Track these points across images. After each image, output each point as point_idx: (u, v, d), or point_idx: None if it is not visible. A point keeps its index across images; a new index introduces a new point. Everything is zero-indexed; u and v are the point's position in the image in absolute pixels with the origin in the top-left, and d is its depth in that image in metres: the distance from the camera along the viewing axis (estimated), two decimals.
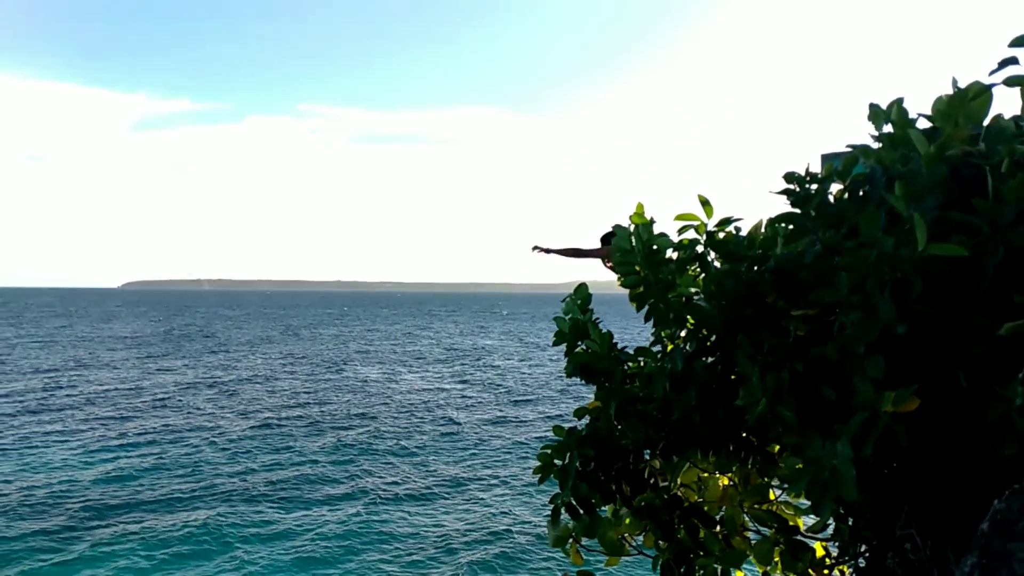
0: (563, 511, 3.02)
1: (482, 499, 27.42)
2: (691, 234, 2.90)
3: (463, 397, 52.35)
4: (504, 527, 24.08)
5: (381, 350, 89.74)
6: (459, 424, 42.18)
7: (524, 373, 67.07)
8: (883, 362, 2.05)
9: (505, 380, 62.41)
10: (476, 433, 39.54)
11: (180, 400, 48.58)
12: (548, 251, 7.84)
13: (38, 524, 23.21)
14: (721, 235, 2.85)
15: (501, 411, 46.63)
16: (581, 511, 2.97)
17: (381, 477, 30.42)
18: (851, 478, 2.03)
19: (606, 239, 7.17)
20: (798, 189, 2.45)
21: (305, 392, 53.21)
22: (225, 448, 34.97)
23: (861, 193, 2.41)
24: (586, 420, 3.14)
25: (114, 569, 20.04)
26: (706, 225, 2.87)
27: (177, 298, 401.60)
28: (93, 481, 28.44)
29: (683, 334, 2.99)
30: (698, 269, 2.92)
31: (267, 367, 68.81)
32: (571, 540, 3.06)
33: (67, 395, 48.99)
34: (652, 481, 3.08)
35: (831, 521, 2.52)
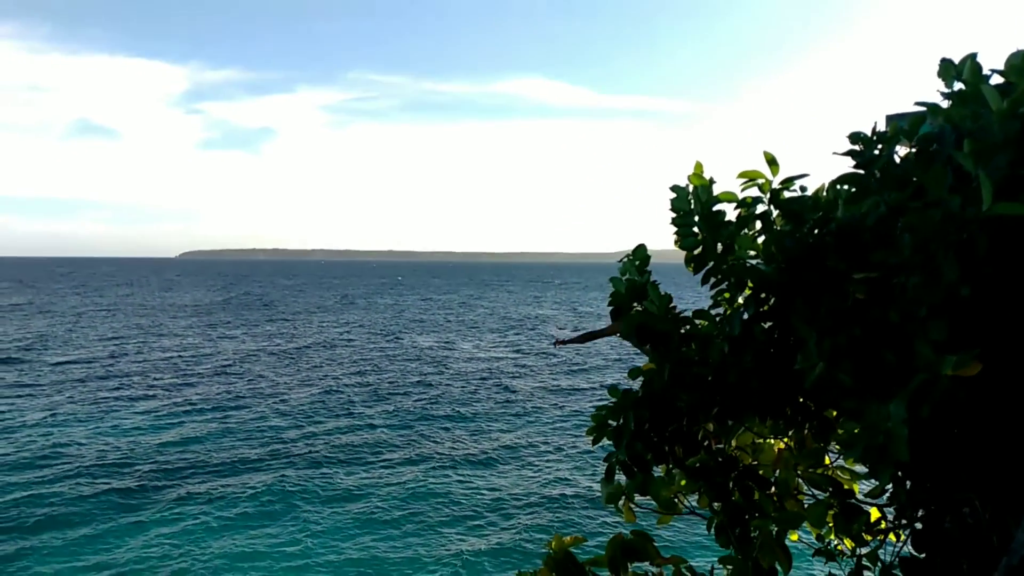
0: (617, 470, 3.04)
1: (537, 465, 27.76)
2: (754, 192, 2.84)
3: (518, 366, 52.70)
4: (558, 492, 24.37)
5: (436, 319, 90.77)
6: (514, 392, 42.57)
7: (582, 345, 67.13)
8: (945, 325, 2.02)
9: (560, 349, 62.57)
10: (531, 401, 39.86)
11: (242, 367, 49.98)
12: (567, 342, 9.38)
13: (110, 485, 24.27)
14: (786, 194, 2.78)
15: (556, 380, 46.86)
16: (635, 469, 2.98)
17: (438, 442, 30.99)
18: (903, 439, 2.01)
19: (616, 314, 8.12)
20: (863, 149, 2.39)
21: (363, 360, 54.24)
22: (287, 413, 35.98)
23: (928, 152, 2.35)
24: (640, 381, 3.14)
25: (183, 527, 20.90)
26: (771, 183, 2.81)
27: (234, 267, 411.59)
28: (161, 444, 29.59)
29: (741, 300, 2.97)
30: (758, 230, 2.87)
31: (326, 335, 70.30)
32: (623, 497, 3.08)
33: (133, 362, 50.83)
34: (706, 444, 3.08)
35: (888, 486, 2.50)
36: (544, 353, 59.18)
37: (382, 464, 27.61)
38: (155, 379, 44.24)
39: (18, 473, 25.25)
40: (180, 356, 54.14)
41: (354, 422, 34.49)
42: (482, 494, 24.43)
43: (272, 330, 74.61)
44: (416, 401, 39.60)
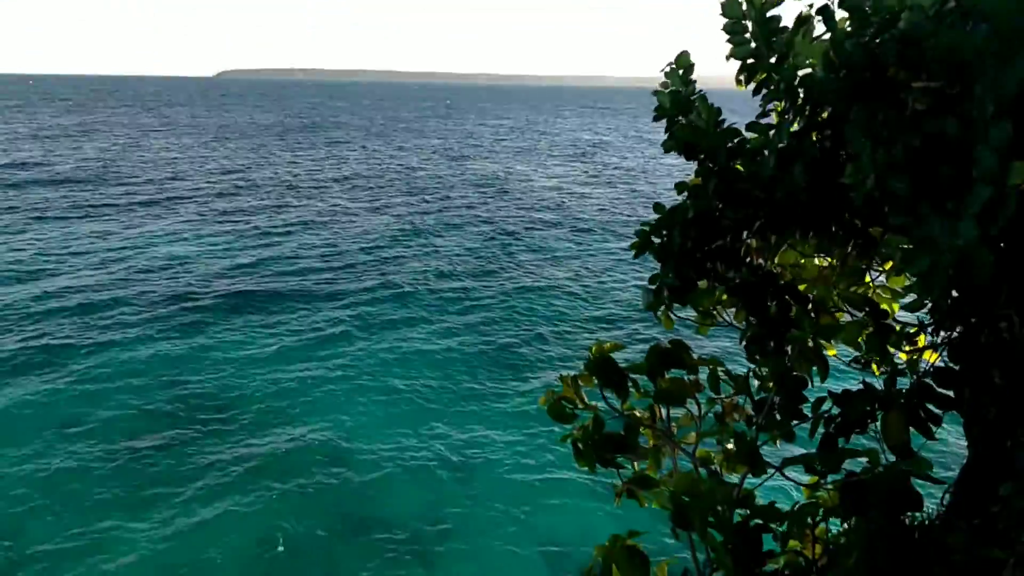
0: (666, 293, 3.09)
1: (592, 287, 28.53)
2: None
3: (577, 195, 52.48)
4: (609, 313, 25.24)
5: (495, 145, 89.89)
6: (575, 219, 42.87)
7: (639, 171, 66.47)
8: (1010, 128, 1.91)
9: (616, 175, 62.15)
10: (592, 232, 40.13)
11: (302, 192, 50.37)
12: None
13: (171, 309, 25.02)
14: None
15: (617, 209, 46.78)
16: (683, 291, 3.04)
17: (503, 267, 31.73)
18: (988, 262, 1.94)
19: None
20: None
21: (424, 187, 54.23)
22: (355, 239, 36.55)
23: None
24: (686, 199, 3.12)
25: (246, 354, 21.81)
26: None
27: (276, 88, 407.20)
28: (225, 269, 30.36)
29: (792, 114, 2.86)
30: (817, 35, 2.70)
31: (384, 160, 70.30)
32: (663, 307, 3.16)
33: (191, 186, 51.29)
34: (748, 260, 3.09)
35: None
36: (607, 183, 58.69)
37: (451, 289, 28.44)
38: (214, 203, 44.98)
39: (72, 295, 26.17)
40: (238, 180, 54.79)
41: (422, 249, 35.09)
42: (544, 311, 25.41)
43: (328, 154, 74.85)
44: (484, 228, 40.10)
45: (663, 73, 3.07)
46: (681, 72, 3.00)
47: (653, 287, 3.19)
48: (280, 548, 13.22)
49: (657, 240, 3.15)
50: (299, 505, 14.49)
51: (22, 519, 13.75)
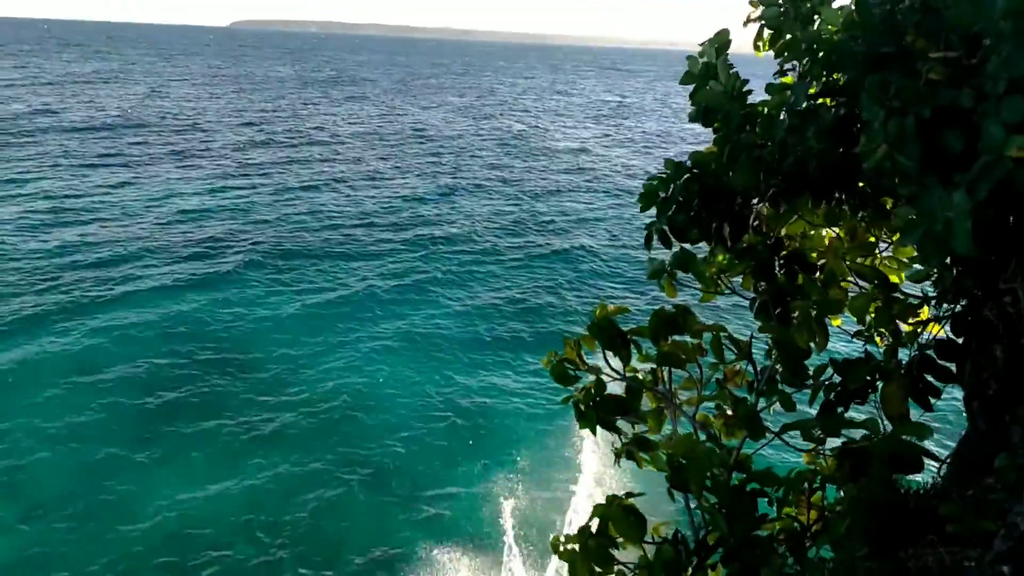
0: (656, 239, 3.09)
1: (618, 251, 28.64)
2: None
3: (600, 155, 52.10)
4: (631, 274, 25.38)
5: (516, 105, 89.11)
6: (601, 179, 42.68)
7: (661, 135, 65.85)
8: (1022, 104, 1.90)
9: (639, 137, 61.59)
10: (617, 192, 39.98)
11: (330, 148, 49.92)
12: None
13: (198, 263, 25.14)
14: None
15: (640, 171, 46.47)
16: (673, 239, 3.03)
17: (525, 227, 31.84)
18: (966, 231, 1.96)
19: None
20: None
21: (448, 146, 53.77)
22: (377, 196, 36.37)
23: None
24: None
25: (273, 302, 21.98)
26: None
27: (293, 40, 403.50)
28: (251, 223, 30.27)
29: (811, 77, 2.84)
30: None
31: (406, 118, 69.58)
32: (666, 274, 3.15)
33: (216, 138, 50.85)
34: (756, 225, 3.08)
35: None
36: (630, 147, 58.25)
37: (469, 249, 28.56)
38: (236, 156, 44.76)
39: (94, 246, 26.23)
40: (260, 133, 54.38)
41: (440, 209, 34.95)
42: (561, 273, 25.56)
43: (348, 109, 74.38)
44: (499, 187, 40.06)
45: (701, 46, 3.06)
46: (716, 47, 3.00)
47: (648, 232, 3.18)
48: (300, 496, 13.47)
49: (663, 194, 3.14)
50: (320, 454, 14.77)
51: (46, 465, 14.02)
